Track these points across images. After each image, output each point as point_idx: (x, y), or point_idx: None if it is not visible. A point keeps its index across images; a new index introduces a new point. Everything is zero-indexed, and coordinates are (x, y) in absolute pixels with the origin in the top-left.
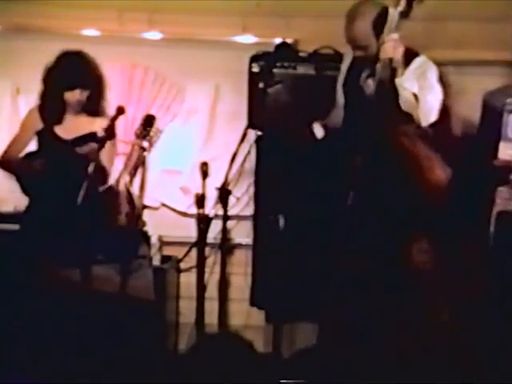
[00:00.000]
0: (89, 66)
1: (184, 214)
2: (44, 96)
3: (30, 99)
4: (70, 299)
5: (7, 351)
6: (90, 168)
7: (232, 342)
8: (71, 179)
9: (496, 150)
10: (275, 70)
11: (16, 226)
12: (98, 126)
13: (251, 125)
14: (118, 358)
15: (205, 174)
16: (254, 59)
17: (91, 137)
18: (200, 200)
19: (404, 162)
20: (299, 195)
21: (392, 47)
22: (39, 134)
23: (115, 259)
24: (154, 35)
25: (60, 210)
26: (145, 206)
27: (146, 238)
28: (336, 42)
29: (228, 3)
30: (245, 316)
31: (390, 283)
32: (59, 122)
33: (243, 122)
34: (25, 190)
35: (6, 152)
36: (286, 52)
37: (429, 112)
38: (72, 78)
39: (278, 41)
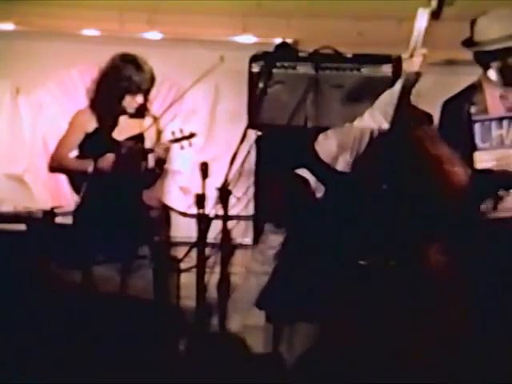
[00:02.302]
0: (148, 70)
1: (184, 214)
2: (103, 99)
3: (29, 99)
4: (70, 299)
5: (7, 351)
6: (90, 168)
7: (231, 342)
8: (126, 179)
9: (471, 160)
10: (275, 70)
11: (16, 226)
12: (144, 126)
13: (251, 125)
14: (118, 358)
15: (205, 173)
16: (253, 59)
17: (139, 138)
18: (200, 200)
19: (425, 163)
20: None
21: (420, 62)
22: (90, 135)
23: (115, 259)
24: (154, 35)
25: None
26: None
27: (146, 238)
28: (336, 42)
29: (228, 3)
30: (245, 316)
31: (406, 283)
32: (116, 124)
33: (243, 122)
34: (77, 190)
35: (55, 154)
36: (285, 52)
37: None
38: (135, 83)
39: (278, 41)
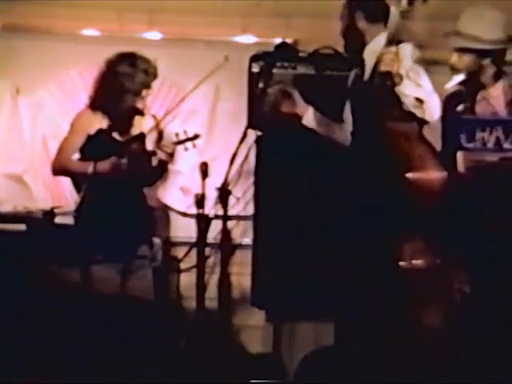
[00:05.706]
0: (153, 64)
1: (184, 214)
2: (115, 99)
3: (30, 99)
4: (70, 299)
5: (7, 351)
6: (90, 169)
7: (231, 342)
8: (127, 180)
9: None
10: (275, 70)
11: (16, 226)
12: (144, 125)
13: (251, 125)
14: (118, 358)
15: (205, 174)
16: (253, 59)
17: (140, 137)
18: (200, 200)
19: (397, 161)
20: (298, 195)
21: (391, 60)
22: (92, 136)
23: (115, 259)
24: (154, 35)
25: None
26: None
27: (146, 238)
28: (336, 42)
29: (228, 3)
30: (245, 316)
31: (383, 283)
32: (125, 124)
33: (243, 122)
34: (80, 191)
35: (58, 157)
36: (285, 52)
37: (434, 109)
38: (152, 75)
39: (278, 41)
